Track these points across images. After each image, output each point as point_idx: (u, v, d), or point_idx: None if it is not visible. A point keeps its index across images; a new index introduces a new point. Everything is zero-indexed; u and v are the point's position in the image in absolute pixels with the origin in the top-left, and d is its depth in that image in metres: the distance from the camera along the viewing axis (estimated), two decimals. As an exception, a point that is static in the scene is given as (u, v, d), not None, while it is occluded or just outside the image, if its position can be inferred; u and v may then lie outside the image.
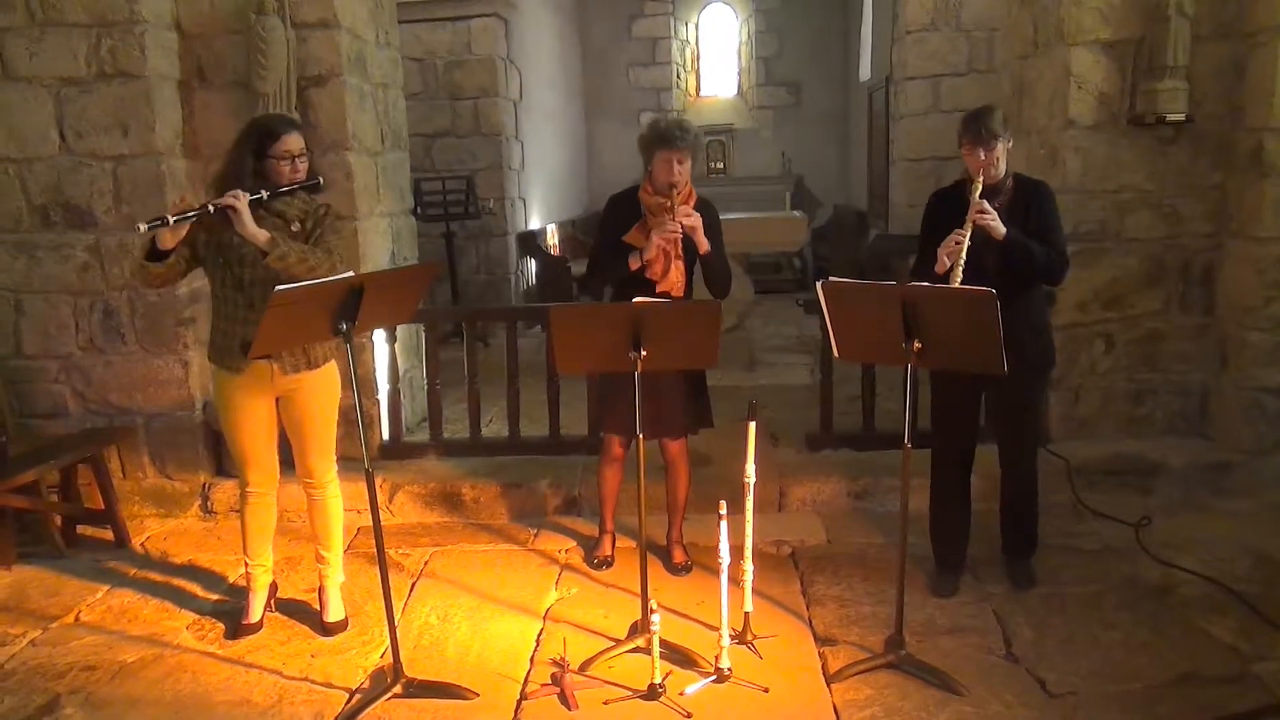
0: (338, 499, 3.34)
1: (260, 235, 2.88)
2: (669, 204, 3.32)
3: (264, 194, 2.94)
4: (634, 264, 3.39)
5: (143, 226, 2.80)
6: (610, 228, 3.51)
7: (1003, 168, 3.22)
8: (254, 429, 3.18)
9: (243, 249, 2.97)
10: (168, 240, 2.87)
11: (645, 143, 3.39)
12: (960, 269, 3.07)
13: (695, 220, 3.32)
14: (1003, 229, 3.13)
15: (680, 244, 3.36)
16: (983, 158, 3.15)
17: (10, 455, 3.97)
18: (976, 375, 3.14)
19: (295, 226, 3.06)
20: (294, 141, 3.02)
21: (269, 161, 2.99)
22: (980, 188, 3.15)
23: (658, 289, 3.40)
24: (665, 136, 3.30)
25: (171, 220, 2.80)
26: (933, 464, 3.51)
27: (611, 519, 3.83)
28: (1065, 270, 3.27)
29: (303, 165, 3.04)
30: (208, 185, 3.09)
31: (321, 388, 3.21)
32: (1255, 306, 4.12)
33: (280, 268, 2.91)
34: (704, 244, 3.37)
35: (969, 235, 3.09)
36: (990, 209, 3.12)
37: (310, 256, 2.97)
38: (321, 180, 3.12)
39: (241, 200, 2.86)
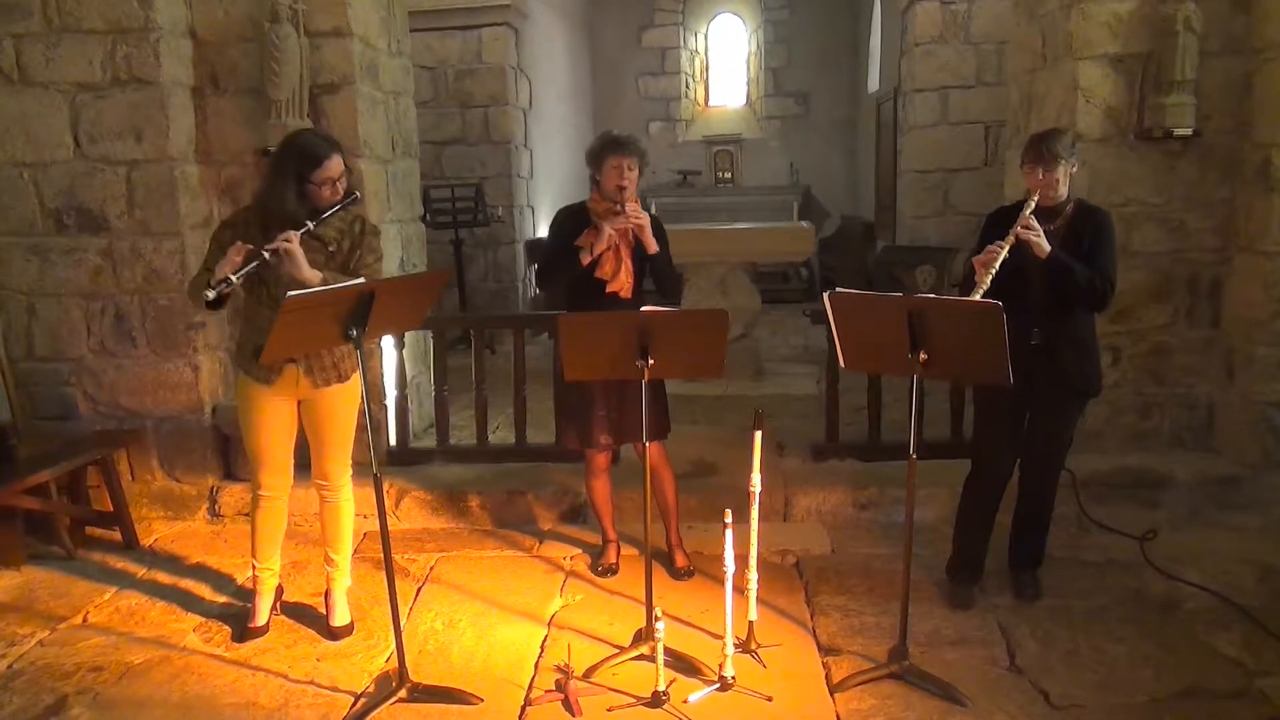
0: (350, 503, 3.36)
1: (314, 278, 2.90)
2: (618, 206, 3.43)
3: (310, 225, 2.93)
4: (585, 258, 3.47)
5: (211, 294, 2.80)
6: (561, 234, 3.61)
7: (1063, 191, 3.20)
8: (274, 433, 3.20)
9: (278, 268, 2.97)
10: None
11: (595, 152, 3.51)
12: (988, 281, 3.05)
13: (644, 219, 3.43)
14: (1047, 246, 3.10)
15: (630, 244, 3.47)
16: (1041, 177, 3.15)
17: (20, 456, 4.01)
18: (1023, 392, 3.13)
19: (333, 247, 3.07)
20: (336, 166, 2.98)
21: (310, 186, 2.96)
22: (1033, 205, 3.14)
23: (607, 289, 3.49)
24: (617, 141, 3.46)
25: (235, 280, 2.81)
26: (970, 477, 3.50)
27: (612, 528, 3.86)
28: (1108, 297, 3.21)
29: (342, 186, 3.02)
30: (254, 200, 3.08)
31: (346, 396, 3.24)
32: (1263, 320, 4.12)
33: None
34: (652, 244, 3.47)
35: (1007, 249, 3.07)
36: (1037, 226, 3.11)
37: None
38: (359, 195, 3.10)
39: (295, 242, 2.86)
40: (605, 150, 3.46)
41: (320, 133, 3.11)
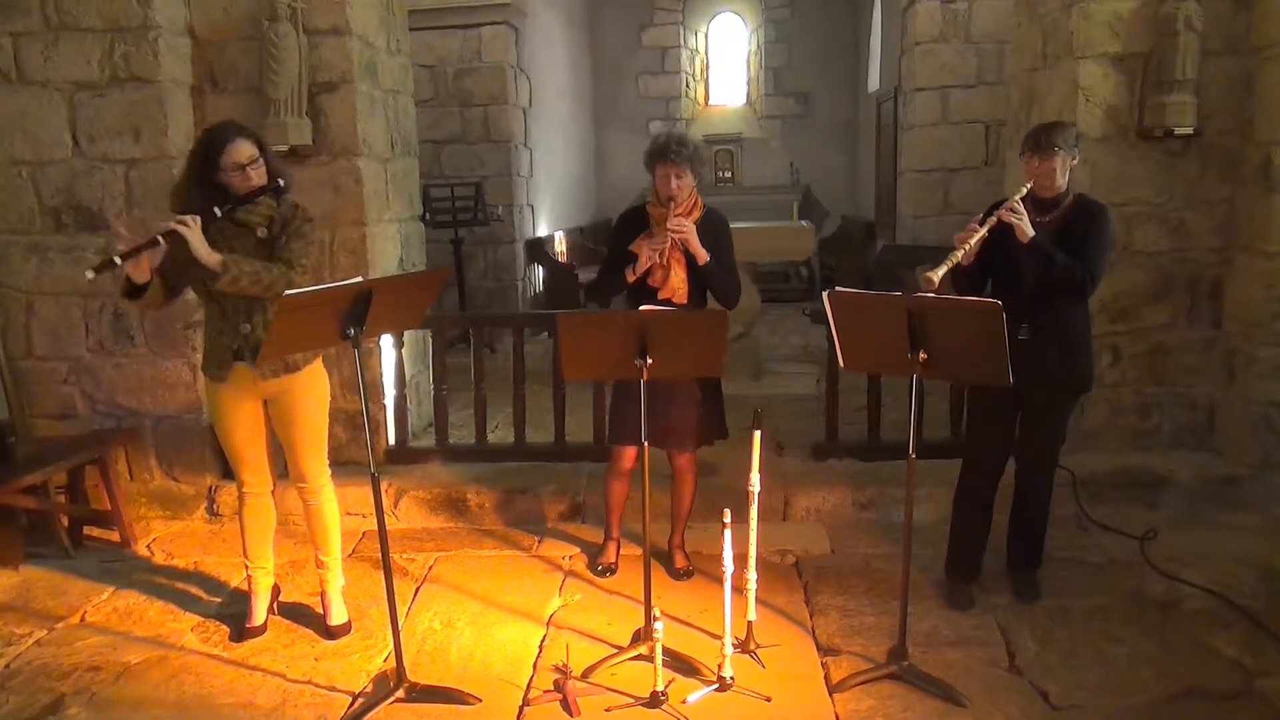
0: (332, 503, 3.34)
1: (212, 259, 2.81)
2: (669, 215, 3.39)
3: (217, 211, 2.88)
4: (630, 276, 3.46)
5: (90, 273, 2.73)
6: (618, 241, 3.58)
7: (1061, 183, 3.19)
8: (243, 432, 3.20)
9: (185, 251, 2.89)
10: (138, 274, 2.84)
11: (647, 157, 3.48)
12: (959, 256, 3.05)
13: (686, 232, 3.37)
14: (1030, 230, 3.09)
15: (680, 252, 3.43)
16: (1037, 166, 3.16)
17: (18, 456, 4.00)
18: (1015, 389, 3.10)
19: (261, 232, 3.03)
20: (241, 150, 2.93)
21: (220, 175, 2.93)
22: (1025, 191, 3.15)
23: (659, 295, 3.45)
24: (662, 152, 3.39)
25: (118, 260, 2.74)
26: (962, 474, 3.49)
27: (617, 527, 3.85)
28: (1089, 286, 3.17)
29: (255, 172, 2.96)
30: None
31: (308, 390, 3.20)
32: (1263, 321, 4.11)
33: (232, 291, 2.88)
34: (701, 254, 3.42)
35: (987, 228, 3.08)
36: (1022, 210, 3.10)
37: (265, 275, 2.90)
38: (283, 182, 3.03)
39: (191, 226, 2.78)
40: (653, 159, 3.42)
41: (236, 122, 3.08)
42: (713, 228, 3.50)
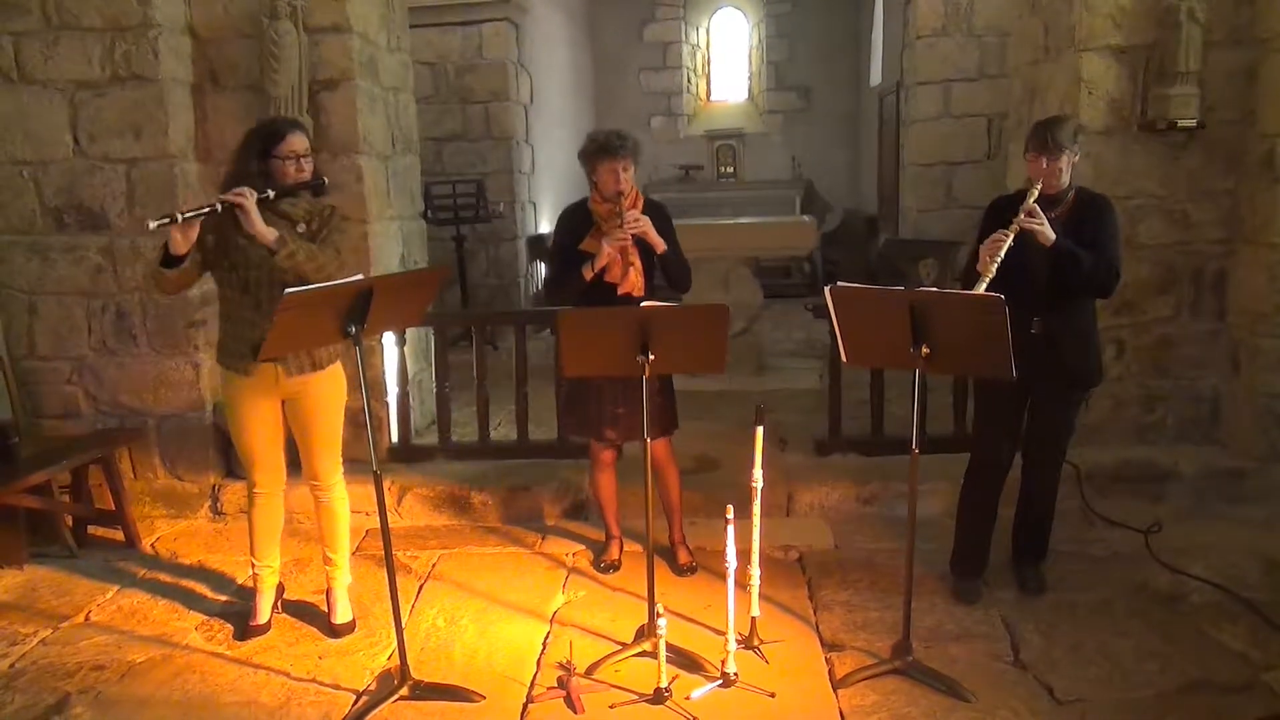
0: (344, 501, 3.35)
1: (269, 233, 2.90)
2: (618, 210, 3.40)
3: (270, 193, 2.95)
4: (588, 274, 3.45)
5: (152, 224, 2.79)
6: (565, 241, 3.58)
7: (1065, 179, 3.18)
8: (260, 430, 3.20)
9: (248, 251, 2.98)
10: (180, 244, 2.87)
11: (587, 155, 3.47)
12: (994, 269, 3.04)
13: (644, 225, 3.39)
14: (1052, 234, 3.08)
15: (636, 247, 3.44)
16: (1045, 166, 3.14)
17: (22, 456, 3.99)
18: (1022, 383, 3.09)
19: (301, 228, 3.07)
20: (298, 142, 3.04)
21: (273, 161, 3.00)
22: (1036, 193, 3.13)
23: (619, 291, 3.46)
24: (606, 147, 3.40)
25: (180, 218, 2.81)
26: (970, 470, 3.48)
27: (616, 524, 3.85)
28: (1114, 283, 3.19)
29: (307, 165, 3.06)
30: (218, 188, 3.10)
31: (327, 390, 3.22)
32: (1267, 312, 4.09)
33: (289, 266, 2.93)
34: (659, 244, 3.44)
35: (1013, 237, 3.07)
36: (1040, 215, 3.09)
37: (319, 255, 2.99)
38: (326, 181, 3.12)
39: (249, 198, 2.87)
40: (597, 157, 3.43)
41: (293, 118, 3.13)
42: (656, 217, 3.52)
